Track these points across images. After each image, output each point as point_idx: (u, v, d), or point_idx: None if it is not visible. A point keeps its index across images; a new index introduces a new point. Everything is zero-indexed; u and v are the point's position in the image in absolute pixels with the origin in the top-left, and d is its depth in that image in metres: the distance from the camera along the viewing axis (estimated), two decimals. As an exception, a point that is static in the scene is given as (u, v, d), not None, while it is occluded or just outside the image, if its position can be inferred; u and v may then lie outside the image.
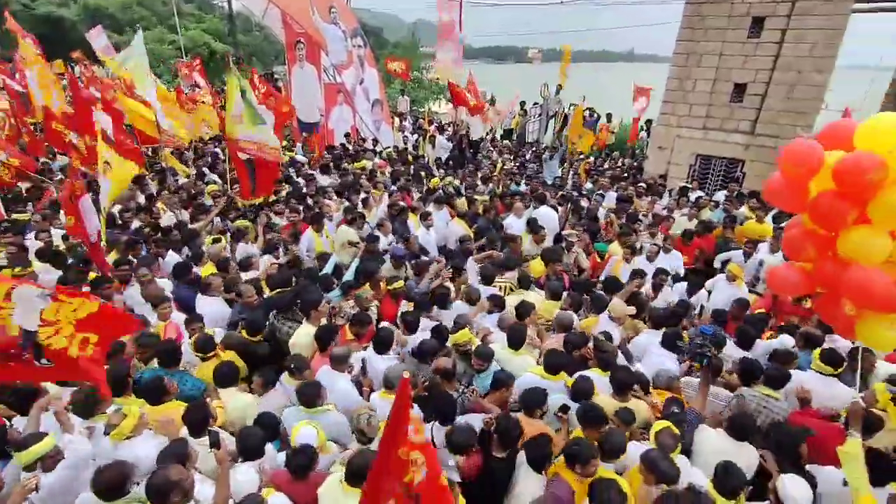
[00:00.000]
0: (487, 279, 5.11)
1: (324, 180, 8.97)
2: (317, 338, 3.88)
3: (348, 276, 5.09)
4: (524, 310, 4.43)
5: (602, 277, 5.79)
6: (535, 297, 5.00)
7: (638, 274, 5.31)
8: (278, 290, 4.67)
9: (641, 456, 2.74)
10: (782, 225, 6.19)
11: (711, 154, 10.49)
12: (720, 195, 8.91)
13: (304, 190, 7.96)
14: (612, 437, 2.82)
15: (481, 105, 11.67)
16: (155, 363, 3.64)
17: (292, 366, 3.56)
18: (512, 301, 4.68)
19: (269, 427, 3.07)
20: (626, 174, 11.54)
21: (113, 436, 2.79)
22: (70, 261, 5.20)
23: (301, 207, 6.94)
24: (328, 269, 5.23)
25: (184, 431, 2.94)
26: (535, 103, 15.35)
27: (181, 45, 12.49)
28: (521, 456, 2.92)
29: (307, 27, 9.02)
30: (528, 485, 2.79)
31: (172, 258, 5.45)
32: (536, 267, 5.70)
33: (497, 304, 4.61)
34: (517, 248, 6.10)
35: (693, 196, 8.76)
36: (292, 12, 8.81)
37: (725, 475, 2.64)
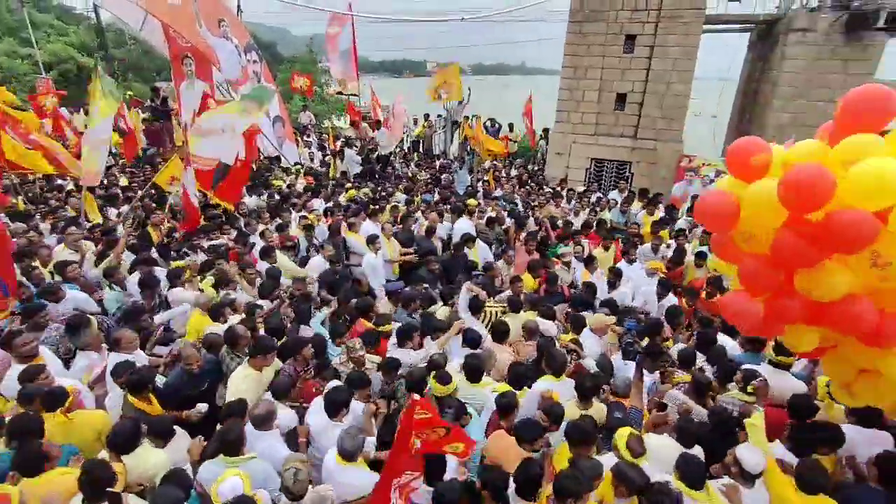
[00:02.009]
0: (476, 309, 4.83)
1: (251, 202, 8.43)
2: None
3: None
4: (501, 332, 4.38)
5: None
6: (525, 316, 4.91)
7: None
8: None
9: (612, 468, 2.69)
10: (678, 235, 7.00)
11: (604, 157, 11.51)
12: (614, 194, 9.76)
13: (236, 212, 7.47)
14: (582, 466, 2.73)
15: (380, 119, 11.66)
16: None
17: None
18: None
19: (184, 486, 2.68)
20: (530, 179, 12.20)
21: None
22: None
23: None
24: (317, 325, 4.71)
25: (75, 502, 2.52)
26: (439, 115, 15.71)
27: (39, 59, 10.76)
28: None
29: (194, 41, 8.35)
30: None
31: (71, 301, 4.58)
32: (529, 282, 5.68)
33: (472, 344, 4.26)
34: (495, 273, 5.87)
35: (594, 198, 9.52)
36: (176, 25, 8.07)
37: (687, 466, 2.68)
